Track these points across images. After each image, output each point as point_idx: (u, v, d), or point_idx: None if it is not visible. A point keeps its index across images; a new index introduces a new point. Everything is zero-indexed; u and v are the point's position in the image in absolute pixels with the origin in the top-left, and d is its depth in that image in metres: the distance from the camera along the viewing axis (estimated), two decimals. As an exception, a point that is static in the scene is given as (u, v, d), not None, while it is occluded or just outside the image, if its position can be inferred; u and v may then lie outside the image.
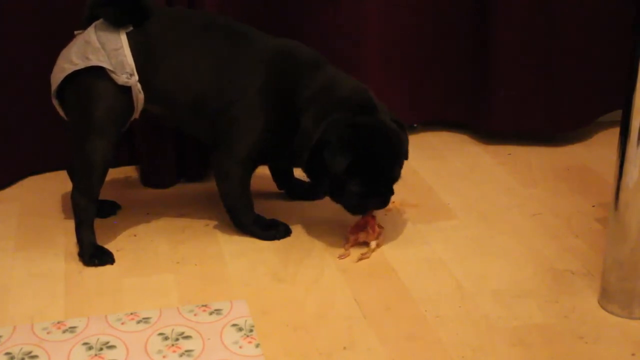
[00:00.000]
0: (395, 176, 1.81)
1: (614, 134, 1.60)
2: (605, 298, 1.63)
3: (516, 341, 1.54)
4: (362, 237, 1.84)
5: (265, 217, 1.92)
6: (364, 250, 1.83)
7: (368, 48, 2.25)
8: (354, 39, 2.21)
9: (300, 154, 1.79)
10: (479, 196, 2.11)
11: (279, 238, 1.89)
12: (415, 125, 2.50)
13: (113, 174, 2.21)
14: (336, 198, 1.82)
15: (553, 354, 1.50)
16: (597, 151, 2.35)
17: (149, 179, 2.18)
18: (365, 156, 1.74)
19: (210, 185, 2.13)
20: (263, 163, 1.94)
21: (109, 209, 2.01)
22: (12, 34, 2.06)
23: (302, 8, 2.16)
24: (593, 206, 2.04)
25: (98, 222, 1.87)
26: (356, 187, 1.76)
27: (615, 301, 1.61)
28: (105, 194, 1.99)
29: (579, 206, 2.04)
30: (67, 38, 1.86)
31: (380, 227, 1.85)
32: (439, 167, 2.27)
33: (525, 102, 2.36)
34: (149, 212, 2.03)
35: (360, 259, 1.81)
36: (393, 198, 1.99)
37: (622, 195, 1.54)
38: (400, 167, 1.81)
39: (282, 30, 2.12)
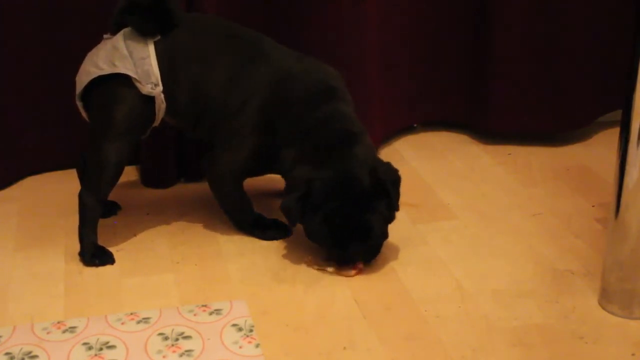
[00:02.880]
0: (365, 226, 1.71)
1: (614, 134, 1.60)
2: (605, 298, 1.63)
3: (516, 341, 1.54)
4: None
5: (266, 217, 1.92)
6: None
7: (368, 49, 2.24)
8: (353, 40, 2.21)
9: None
10: (479, 196, 2.11)
11: (278, 238, 1.89)
12: (415, 125, 2.50)
13: (113, 174, 2.21)
14: (316, 242, 1.78)
15: (553, 354, 1.50)
16: (597, 151, 2.35)
17: (149, 179, 2.18)
18: (323, 208, 1.69)
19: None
20: (255, 175, 1.94)
21: (109, 209, 2.01)
22: (14, 35, 2.06)
23: (302, 9, 2.16)
24: (593, 206, 2.04)
25: (98, 222, 1.87)
26: (325, 233, 1.71)
27: (615, 301, 1.61)
28: (105, 194, 2.00)
29: (579, 206, 2.04)
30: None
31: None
32: (439, 167, 2.27)
33: (525, 102, 2.36)
34: (149, 212, 2.03)
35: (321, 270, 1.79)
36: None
37: (622, 195, 1.54)
38: (375, 216, 1.71)
39: (281, 32, 2.12)
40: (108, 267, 1.79)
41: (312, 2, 2.15)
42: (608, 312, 1.61)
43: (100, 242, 1.84)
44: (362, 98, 2.21)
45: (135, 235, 1.93)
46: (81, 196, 1.82)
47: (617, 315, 1.60)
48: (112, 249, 1.84)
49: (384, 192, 1.72)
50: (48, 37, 2.07)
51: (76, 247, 1.83)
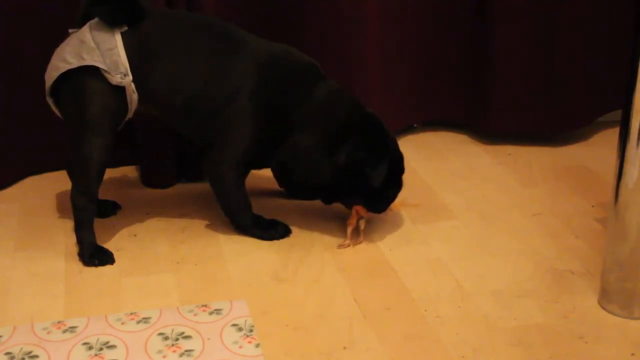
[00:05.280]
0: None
1: (614, 134, 1.60)
2: (605, 298, 1.63)
3: (516, 341, 1.54)
4: (354, 221, 1.88)
5: (264, 217, 1.92)
6: (357, 238, 1.88)
7: (368, 48, 2.25)
8: (354, 39, 2.21)
9: (309, 175, 1.85)
10: (479, 196, 2.11)
11: (278, 238, 1.89)
12: (415, 125, 2.50)
13: (113, 174, 2.21)
14: (372, 205, 1.87)
15: (553, 354, 1.50)
16: (597, 151, 2.35)
17: (149, 179, 2.18)
18: (392, 163, 1.83)
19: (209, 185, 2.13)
20: (255, 167, 1.94)
21: (109, 209, 2.01)
22: (12, 34, 2.06)
23: (302, 7, 2.16)
24: (593, 206, 2.04)
25: (98, 222, 1.87)
26: (392, 192, 1.87)
27: (615, 301, 1.61)
28: (105, 194, 1.99)
29: (579, 206, 2.04)
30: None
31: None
32: (439, 167, 2.27)
33: (525, 102, 2.36)
34: (149, 212, 2.03)
35: (356, 244, 1.86)
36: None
37: (622, 195, 1.54)
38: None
39: (281, 30, 2.12)
40: (108, 267, 1.79)
41: (311, 2, 2.16)
42: (608, 312, 1.62)
43: (101, 242, 1.85)
44: (362, 98, 2.21)
45: (135, 235, 1.93)
46: (73, 198, 1.82)
47: (617, 315, 1.60)
48: (112, 249, 1.84)
49: None
50: (48, 37, 2.07)
51: (76, 247, 1.83)
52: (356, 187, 1.82)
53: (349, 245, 1.86)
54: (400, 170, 1.89)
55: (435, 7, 2.33)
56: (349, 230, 1.86)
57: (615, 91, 2.23)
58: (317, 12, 2.17)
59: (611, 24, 2.33)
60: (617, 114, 1.58)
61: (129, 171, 2.25)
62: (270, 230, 1.90)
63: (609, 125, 2.45)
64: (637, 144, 1.50)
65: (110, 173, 2.20)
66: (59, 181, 2.16)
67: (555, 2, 2.27)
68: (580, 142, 2.42)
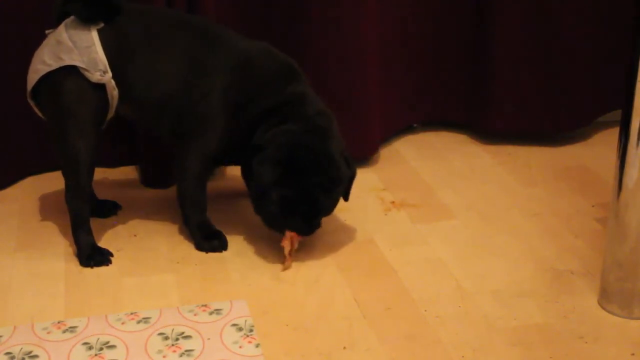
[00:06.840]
0: (320, 207, 1.77)
1: (614, 134, 1.60)
2: (605, 298, 1.63)
3: (516, 341, 1.54)
4: (287, 242, 1.79)
5: (212, 225, 1.89)
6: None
7: (368, 49, 2.24)
8: (353, 39, 2.21)
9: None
10: (479, 196, 2.11)
11: (219, 250, 1.85)
12: (415, 125, 2.50)
13: (113, 174, 2.21)
14: (257, 205, 1.79)
15: (553, 354, 1.50)
16: (597, 151, 2.35)
17: (149, 179, 2.18)
18: (295, 176, 1.71)
19: (209, 186, 2.12)
20: (223, 163, 1.92)
21: (109, 209, 2.01)
22: (12, 34, 2.06)
23: (302, 8, 2.16)
24: (593, 206, 2.04)
25: (98, 222, 1.88)
26: (277, 200, 1.73)
27: (615, 301, 1.61)
28: (105, 194, 2.00)
29: (578, 206, 2.04)
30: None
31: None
32: (439, 167, 2.27)
33: (525, 102, 2.36)
34: (149, 212, 2.03)
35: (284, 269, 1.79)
36: (393, 198, 2.00)
37: (622, 195, 1.54)
38: (331, 201, 1.78)
39: (280, 30, 2.12)
40: (108, 267, 1.79)
41: (311, 2, 2.15)
42: (608, 311, 1.62)
43: (100, 242, 1.85)
44: (362, 98, 2.22)
45: (135, 235, 1.93)
46: (67, 200, 1.82)
47: (617, 315, 1.60)
48: (112, 249, 1.84)
49: (347, 179, 1.80)
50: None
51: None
52: (251, 174, 1.76)
53: (289, 266, 1.79)
54: (300, 197, 1.73)
55: (435, 7, 2.33)
56: (286, 251, 1.78)
57: (615, 91, 2.23)
58: (317, 12, 2.17)
59: (611, 24, 2.33)
60: (617, 114, 1.58)
61: (129, 171, 2.25)
62: (214, 240, 1.86)
63: (609, 125, 2.44)
64: (637, 144, 1.50)
65: (110, 173, 2.21)
66: (59, 181, 2.15)
67: (556, 2, 2.27)
68: (580, 142, 2.42)
